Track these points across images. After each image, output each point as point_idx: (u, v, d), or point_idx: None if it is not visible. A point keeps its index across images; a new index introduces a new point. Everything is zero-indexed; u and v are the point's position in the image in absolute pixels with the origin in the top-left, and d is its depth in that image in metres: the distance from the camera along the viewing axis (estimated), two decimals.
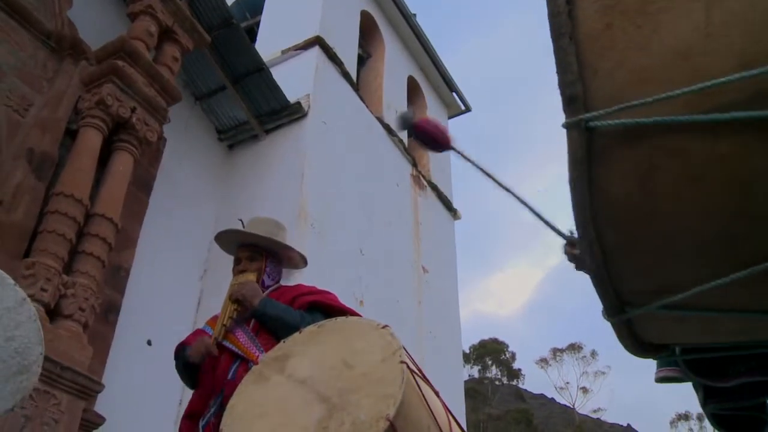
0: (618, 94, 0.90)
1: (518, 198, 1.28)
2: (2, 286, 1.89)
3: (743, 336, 1.14)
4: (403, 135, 10.07)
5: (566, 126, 0.92)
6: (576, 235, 1.01)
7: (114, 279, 5.69)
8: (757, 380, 1.37)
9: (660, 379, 1.59)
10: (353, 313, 2.65)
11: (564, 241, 1.15)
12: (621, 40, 0.90)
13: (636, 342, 1.14)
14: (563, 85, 0.92)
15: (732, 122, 0.82)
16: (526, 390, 48.98)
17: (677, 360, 1.45)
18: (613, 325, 1.10)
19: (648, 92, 0.87)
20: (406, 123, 1.44)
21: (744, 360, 1.36)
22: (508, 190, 1.21)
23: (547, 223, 1.23)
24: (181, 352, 2.80)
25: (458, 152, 1.29)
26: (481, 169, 1.36)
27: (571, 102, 0.92)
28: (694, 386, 1.54)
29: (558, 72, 0.93)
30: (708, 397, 1.51)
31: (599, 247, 0.97)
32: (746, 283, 0.91)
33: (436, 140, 1.37)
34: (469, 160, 1.31)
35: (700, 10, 0.85)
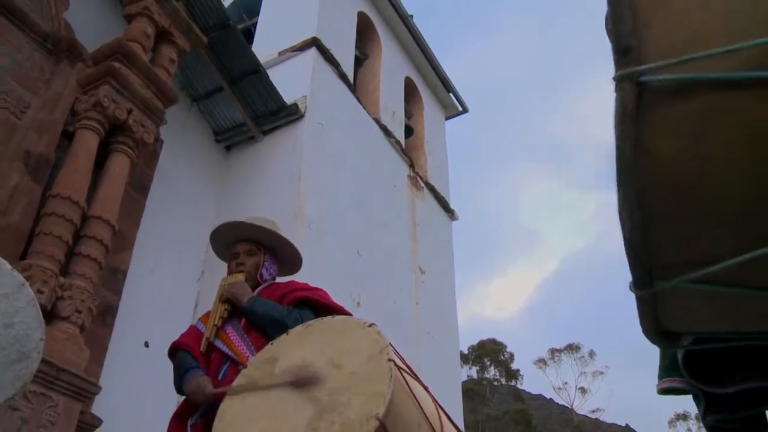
0: (673, 50, 0.85)
1: None
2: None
3: None
4: (401, 136, 10.08)
5: (617, 78, 0.86)
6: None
7: (111, 281, 5.69)
8: (755, 387, 1.36)
9: (662, 391, 1.56)
10: (343, 311, 2.66)
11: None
12: None
13: (657, 325, 1.08)
14: (617, 36, 0.87)
15: None
16: (524, 390, 48.99)
17: (679, 363, 1.43)
18: (639, 299, 1.04)
19: (706, 47, 0.82)
20: None
21: (743, 368, 1.35)
22: None
23: None
24: (176, 353, 2.81)
25: None
26: None
27: (624, 53, 0.86)
28: (695, 399, 1.53)
29: (611, 23, 0.88)
30: (708, 409, 1.50)
31: (640, 210, 0.91)
32: None
33: None
34: None
35: None
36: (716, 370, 1.37)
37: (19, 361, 1.85)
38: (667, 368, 1.53)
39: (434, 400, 1.94)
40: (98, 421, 4.92)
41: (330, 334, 1.93)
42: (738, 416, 1.47)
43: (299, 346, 1.94)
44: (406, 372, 1.77)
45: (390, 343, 1.74)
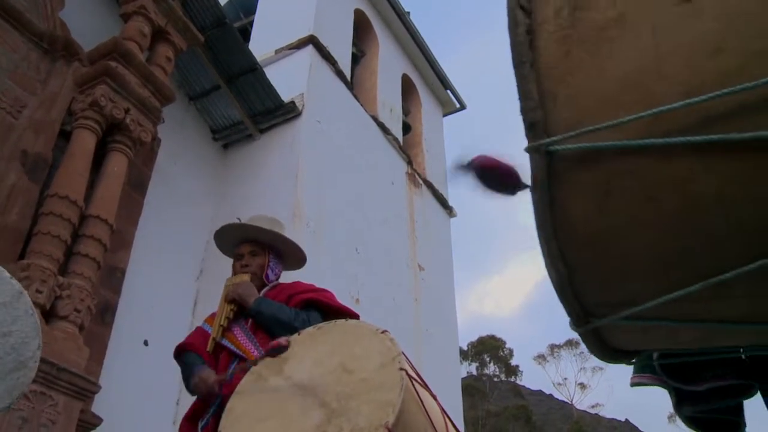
0: (576, 120, 0.94)
1: None
2: None
3: (701, 343, 1.18)
4: (398, 133, 10.08)
5: (528, 150, 0.96)
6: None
7: (110, 280, 5.69)
8: (727, 384, 1.41)
9: (634, 385, 1.66)
10: (351, 313, 2.65)
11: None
12: (578, 67, 0.95)
13: (605, 349, 1.18)
14: (524, 112, 0.96)
15: (681, 145, 0.86)
16: (524, 386, 48.98)
17: (654, 364, 1.50)
18: (581, 335, 1.14)
19: (604, 117, 0.91)
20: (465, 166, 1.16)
21: (714, 366, 1.40)
22: None
23: None
24: (182, 355, 2.79)
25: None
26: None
27: (531, 128, 0.96)
28: (668, 390, 1.58)
29: (519, 99, 0.97)
30: (680, 400, 1.55)
31: (563, 263, 1.00)
32: (700, 295, 0.94)
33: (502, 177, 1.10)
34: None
35: (649, 39, 0.89)
36: (689, 369, 1.44)
37: (16, 370, 1.84)
38: (641, 364, 1.62)
39: (443, 411, 1.93)
40: (98, 420, 4.93)
41: (342, 337, 1.91)
42: (714, 407, 1.52)
43: (310, 347, 1.93)
44: (417, 382, 1.77)
45: (402, 352, 1.74)
